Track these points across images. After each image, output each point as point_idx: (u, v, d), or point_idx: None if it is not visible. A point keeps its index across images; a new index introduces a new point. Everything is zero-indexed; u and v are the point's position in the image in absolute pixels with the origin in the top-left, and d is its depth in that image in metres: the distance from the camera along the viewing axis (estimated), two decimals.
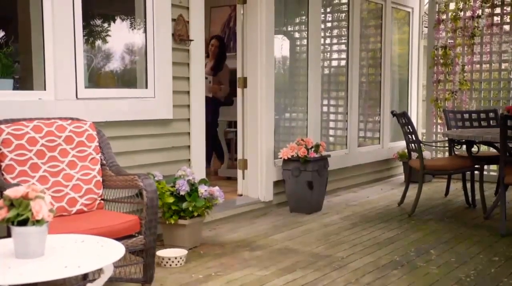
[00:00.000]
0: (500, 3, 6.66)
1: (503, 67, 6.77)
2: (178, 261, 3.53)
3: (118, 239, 2.45)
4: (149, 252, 2.95)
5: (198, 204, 3.79)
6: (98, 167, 3.22)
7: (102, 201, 3.20)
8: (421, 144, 5.03)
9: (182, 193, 3.79)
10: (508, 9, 6.61)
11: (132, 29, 4.30)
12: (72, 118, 3.29)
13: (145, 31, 4.06)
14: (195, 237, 3.94)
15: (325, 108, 6.29)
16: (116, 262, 2.17)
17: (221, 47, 6.54)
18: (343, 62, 6.44)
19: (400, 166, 7.17)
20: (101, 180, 3.20)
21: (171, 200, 3.76)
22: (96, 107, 3.67)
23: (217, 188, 3.95)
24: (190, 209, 3.79)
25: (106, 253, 2.14)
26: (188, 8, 4.31)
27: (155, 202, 2.94)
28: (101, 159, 3.26)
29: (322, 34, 6.01)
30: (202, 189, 3.84)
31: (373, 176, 6.87)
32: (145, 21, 4.05)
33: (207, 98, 4.77)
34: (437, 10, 7.13)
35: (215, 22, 8.23)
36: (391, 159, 7.03)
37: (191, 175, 3.92)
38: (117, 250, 2.17)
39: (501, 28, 6.70)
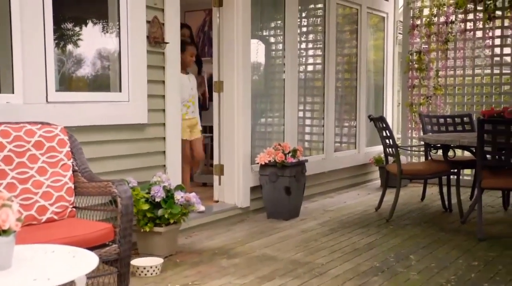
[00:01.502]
0: (472, 9, 6.74)
1: (476, 72, 6.85)
2: (154, 270, 3.41)
3: (91, 249, 2.36)
4: (124, 261, 2.85)
5: (174, 211, 3.69)
6: (69, 173, 3.09)
7: (74, 209, 3.07)
8: (398, 148, 5.02)
9: (157, 199, 3.69)
10: (481, 15, 6.69)
11: (105, 32, 4.18)
12: (42, 123, 3.16)
13: (118, 33, 3.95)
14: (171, 245, 3.83)
15: (301, 113, 6.25)
16: (89, 273, 2.07)
17: (192, 37, 6.24)
18: (319, 67, 6.42)
19: (376, 171, 7.19)
20: (73, 187, 3.08)
21: (146, 206, 3.65)
22: (68, 111, 3.54)
23: (193, 194, 3.85)
24: (166, 216, 3.68)
25: (78, 263, 2.04)
26: (163, 10, 4.21)
27: (130, 209, 2.84)
28: (73, 165, 3.14)
29: (298, 39, 5.98)
30: (178, 196, 3.74)
31: (350, 181, 6.85)
32: (119, 23, 3.94)
33: None
34: (411, 15, 7.18)
35: None
36: (367, 163, 7.04)
37: (166, 181, 3.82)
38: (90, 260, 2.07)
39: (474, 33, 6.78)
